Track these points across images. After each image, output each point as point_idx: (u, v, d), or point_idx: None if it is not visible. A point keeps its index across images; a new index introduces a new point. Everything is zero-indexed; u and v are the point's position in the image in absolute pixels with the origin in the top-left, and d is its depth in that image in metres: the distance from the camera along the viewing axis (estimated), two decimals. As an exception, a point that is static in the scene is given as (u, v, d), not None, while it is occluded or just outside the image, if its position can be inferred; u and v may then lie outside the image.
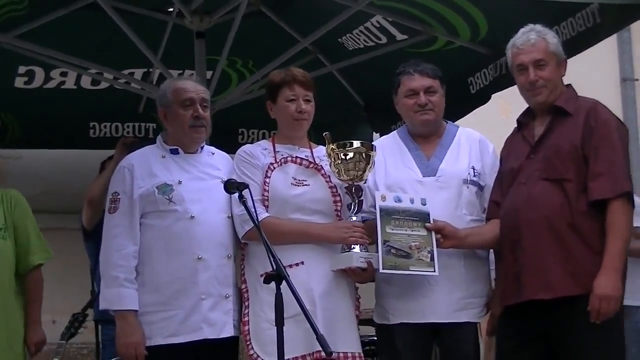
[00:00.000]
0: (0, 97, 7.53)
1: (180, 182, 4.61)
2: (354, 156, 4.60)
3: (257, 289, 4.53)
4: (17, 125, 7.76)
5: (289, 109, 4.69)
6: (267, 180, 4.61)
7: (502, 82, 6.35)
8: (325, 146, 4.68)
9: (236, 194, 4.26)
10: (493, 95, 6.73)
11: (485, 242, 4.71)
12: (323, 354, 4.30)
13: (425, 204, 4.63)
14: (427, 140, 4.90)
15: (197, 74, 6.82)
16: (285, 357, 4.19)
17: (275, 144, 4.73)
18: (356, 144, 4.63)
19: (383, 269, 4.51)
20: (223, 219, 4.61)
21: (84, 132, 7.81)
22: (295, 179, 4.62)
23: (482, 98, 6.72)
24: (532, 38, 4.59)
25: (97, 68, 7.29)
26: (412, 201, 4.62)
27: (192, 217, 4.56)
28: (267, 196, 4.59)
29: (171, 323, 4.53)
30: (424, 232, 4.59)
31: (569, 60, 4.71)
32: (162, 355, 4.50)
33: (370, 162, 4.63)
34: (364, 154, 4.61)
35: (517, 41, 4.63)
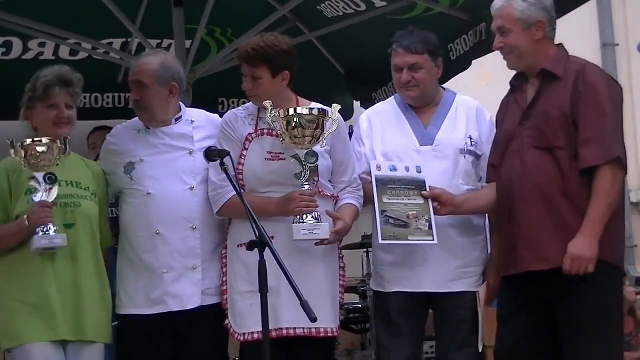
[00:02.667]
0: (-23, 68, 7.48)
1: (141, 160, 4.65)
2: (296, 123, 4.40)
3: (234, 260, 4.55)
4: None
5: (243, 86, 4.62)
6: (244, 152, 4.57)
7: (482, 48, 6.32)
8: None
9: (217, 162, 4.24)
10: (473, 62, 6.72)
11: (481, 207, 4.71)
12: (284, 332, 4.41)
13: (420, 172, 4.63)
14: (423, 108, 4.89)
15: (176, 43, 6.82)
16: (249, 330, 4.23)
17: (260, 109, 4.63)
18: (292, 110, 4.42)
19: (382, 239, 4.52)
20: (184, 191, 4.61)
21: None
22: (270, 153, 4.54)
23: (462, 64, 6.70)
24: (497, 4, 4.56)
25: (76, 38, 7.26)
26: (407, 169, 4.62)
27: (148, 193, 4.61)
28: (242, 170, 4.55)
29: (140, 294, 4.62)
30: (420, 200, 4.58)
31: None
32: (137, 325, 4.60)
33: (320, 128, 4.42)
34: (308, 120, 4.40)
35: (492, 5, 4.62)
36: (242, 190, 4.35)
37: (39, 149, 4.39)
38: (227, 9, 7.06)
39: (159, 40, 7.57)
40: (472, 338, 4.71)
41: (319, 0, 7.08)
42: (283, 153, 4.52)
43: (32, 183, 4.41)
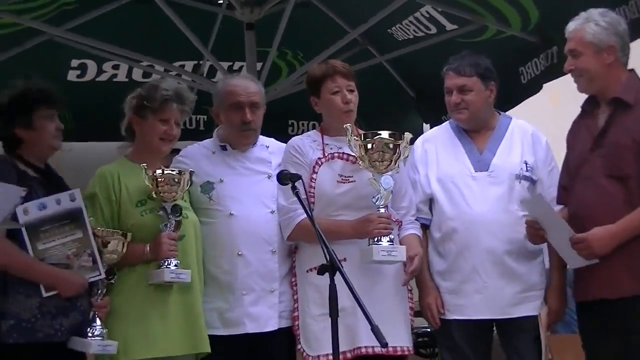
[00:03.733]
0: (53, 90, 7.61)
1: (221, 181, 4.65)
2: (376, 147, 4.45)
3: (305, 285, 4.56)
4: (69, 118, 7.81)
5: (335, 102, 4.66)
6: (314, 176, 4.61)
7: (553, 71, 6.28)
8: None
9: (289, 185, 4.25)
10: (543, 85, 6.68)
11: None
12: (363, 350, 4.41)
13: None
14: (479, 132, 4.86)
15: (248, 65, 6.87)
16: (324, 352, 4.24)
17: (324, 137, 4.72)
18: (378, 134, 4.47)
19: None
20: (265, 214, 4.63)
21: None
22: (341, 176, 4.59)
23: (533, 88, 6.66)
24: (571, 27, 4.53)
25: (149, 60, 7.36)
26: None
27: (231, 214, 4.61)
28: (314, 193, 4.58)
29: (217, 315, 4.61)
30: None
31: (632, 43, 4.58)
32: (213, 345, 4.52)
33: (397, 152, 4.48)
34: (390, 145, 4.47)
35: (566, 28, 4.58)
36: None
37: (169, 179, 4.42)
38: (298, 32, 7.11)
39: (231, 63, 7.64)
40: None
41: (390, 24, 7.10)
42: (353, 176, 4.56)
43: (161, 213, 4.44)
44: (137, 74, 7.75)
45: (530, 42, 6.51)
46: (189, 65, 7.74)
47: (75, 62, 7.51)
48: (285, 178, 4.28)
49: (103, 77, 7.69)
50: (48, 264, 4.16)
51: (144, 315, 4.37)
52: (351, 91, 4.68)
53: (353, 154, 4.56)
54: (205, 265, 4.63)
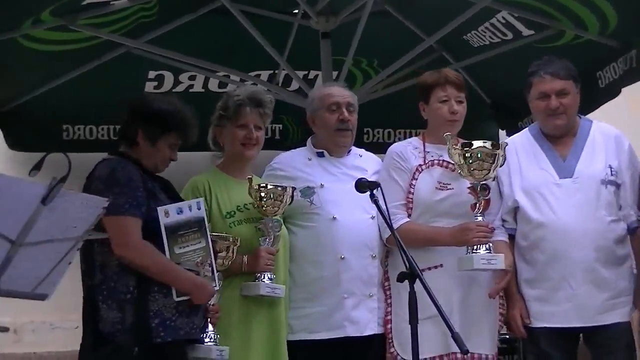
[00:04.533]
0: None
1: (322, 186, 4.71)
2: (476, 156, 4.51)
3: (399, 289, 4.56)
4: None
5: (441, 110, 4.73)
6: (414, 182, 4.67)
7: (632, 75, 6.21)
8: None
9: (367, 193, 4.27)
10: (623, 90, 6.59)
11: None
12: (459, 355, 4.40)
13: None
14: (560, 138, 4.82)
15: (323, 74, 6.89)
16: (422, 357, 4.23)
17: (426, 144, 4.75)
18: (478, 143, 4.53)
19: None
20: (366, 220, 4.68)
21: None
22: (440, 183, 4.65)
23: (611, 92, 6.57)
24: None
25: (225, 71, 7.41)
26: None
27: (334, 218, 4.67)
28: (412, 199, 4.61)
29: (314, 320, 4.66)
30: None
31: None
32: (304, 350, 4.62)
33: (496, 161, 4.53)
34: (487, 154, 4.51)
35: None
36: (408, 220, 4.57)
37: (273, 194, 4.49)
38: (374, 40, 7.10)
39: (306, 72, 7.66)
40: None
41: (466, 30, 7.07)
42: (451, 184, 4.62)
43: (262, 227, 4.51)
44: (213, 85, 7.79)
45: (608, 47, 6.43)
46: (265, 74, 7.77)
47: (152, 74, 7.59)
48: (362, 186, 4.29)
49: (180, 88, 7.75)
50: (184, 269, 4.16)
51: (240, 326, 4.45)
52: (460, 102, 4.74)
53: (453, 162, 4.60)
54: (304, 270, 4.69)
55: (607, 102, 6.69)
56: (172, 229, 4.12)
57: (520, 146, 4.88)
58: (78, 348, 4.14)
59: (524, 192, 4.73)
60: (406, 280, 4.31)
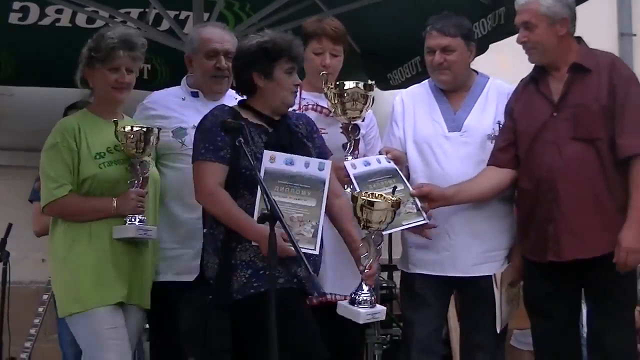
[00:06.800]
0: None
1: (194, 127, 4.63)
2: (350, 96, 4.60)
3: None
4: (10, 61, 7.70)
5: (314, 62, 4.78)
6: None
7: (500, 32, 6.32)
8: None
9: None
10: (490, 46, 6.70)
11: (475, 196, 4.73)
12: (329, 297, 4.58)
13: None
14: (455, 92, 4.90)
15: (194, 15, 6.80)
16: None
17: (302, 91, 4.76)
18: (351, 84, 4.62)
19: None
20: None
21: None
22: None
23: (480, 47, 6.65)
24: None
25: (94, 6, 7.23)
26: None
27: None
28: None
29: (182, 261, 4.64)
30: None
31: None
32: (172, 291, 4.56)
33: (368, 102, 4.63)
34: (361, 94, 4.61)
35: (516, 1, 4.66)
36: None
37: (139, 136, 4.41)
38: (246, -18, 7.04)
39: (177, 12, 7.56)
40: (493, 320, 4.75)
41: (339, -22, 7.05)
42: (325, 129, 4.66)
43: (130, 168, 4.43)
44: (81, 20, 7.61)
45: (478, 2, 6.51)
46: (135, 12, 7.62)
47: (17, 5, 7.37)
48: (228, 127, 4.21)
49: (46, 22, 7.56)
50: None
51: (97, 267, 4.38)
52: (335, 56, 4.78)
53: (327, 107, 4.70)
54: (173, 211, 4.68)
55: (475, 57, 6.77)
56: (273, 175, 4.12)
57: (419, 97, 4.96)
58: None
59: (414, 144, 4.81)
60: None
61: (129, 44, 4.54)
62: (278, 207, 3.87)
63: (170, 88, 4.95)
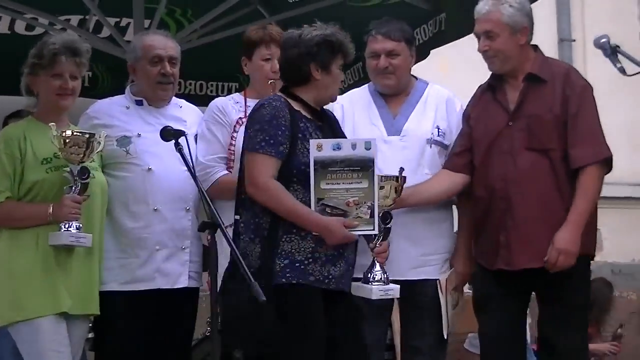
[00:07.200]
0: None
1: (139, 135, 4.63)
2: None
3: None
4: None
5: (263, 69, 4.79)
6: (235, 135, 4.70)
7: (442, 38, 6.35)
8: None
9: (207, 142, 4.38)
10: (432, 51, 6.73)
11: (428, 199, 4.76)
12: None
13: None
14: (394, 97, 4.92)
15: (135, 22, 6.76)
16: None
17: (247, 99, 4.78)
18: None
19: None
20: (183, 172, 4.55)
21: (16, 79, 7.67)
22: None
23: (421, 54, 6.70)
24: (483, 8, 4.68)
25: (32, 13, 7.16)
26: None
27: (149, 169, 4.63)
28: (234, 151, 4.66)
29: (127, 271, 4.62)
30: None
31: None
32: (118, 301, 4.57)
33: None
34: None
35: (477, 8, 4.71)
36: (229, 172, 4.61)
37: (78, 141, 4.35)
38: (188, -11, 7.01)
39: (118, 19, 7.48)
40: (435, 325, 4.78)
41: (281, -16, 7.06)
42: None
43: (66, 175, 4.37)
44: (20, 27, 7.51)
45: (418, 8, 6.54)
46: (75, 19, 7.54)
47: (-46, 12, 7.28)
48: (167, 134, 4.24)
49: (-18, 29, 7.47)
50: (327, 205, 4.17)
51: (42, 275, 4.34)
52: None
53: None
54: (118, 220, 4.64)
55: (416, 63, 6.81)
56: (323, 163, 4.16)
57: (359, 100, 4.98)
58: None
59: None
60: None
61: (72, 49, 4.51)
62: (219, 216, 3.92)
63: (114, 97, 4.92)
